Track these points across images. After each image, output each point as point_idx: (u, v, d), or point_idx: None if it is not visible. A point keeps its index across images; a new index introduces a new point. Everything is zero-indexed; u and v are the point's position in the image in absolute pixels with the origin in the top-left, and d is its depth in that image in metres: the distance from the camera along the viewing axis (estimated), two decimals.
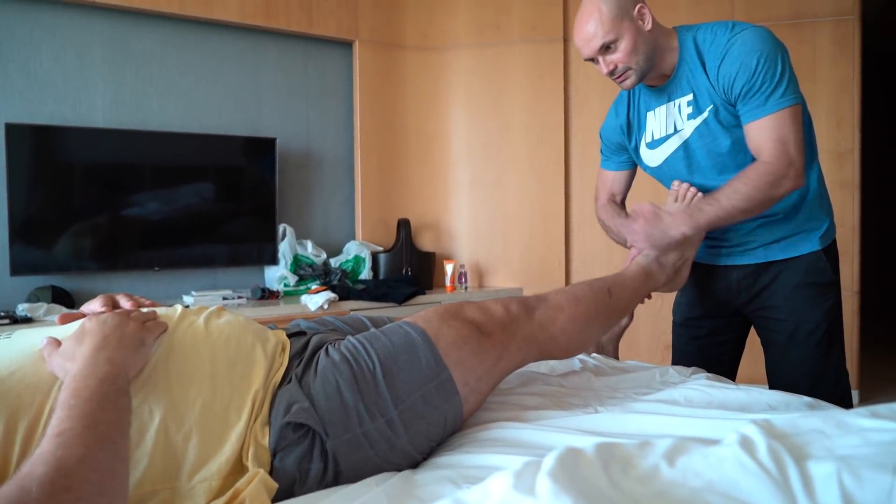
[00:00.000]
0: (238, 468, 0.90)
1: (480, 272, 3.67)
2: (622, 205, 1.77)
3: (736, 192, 1.36)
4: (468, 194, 3.66)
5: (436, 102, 3.67)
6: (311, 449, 0.92)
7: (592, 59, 1.46)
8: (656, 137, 1.57)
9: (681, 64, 1.47)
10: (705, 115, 1.46)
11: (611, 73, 1.46)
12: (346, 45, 3.53)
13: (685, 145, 1.52)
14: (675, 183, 1.56)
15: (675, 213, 1.43)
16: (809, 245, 1.51)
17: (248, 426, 0.91)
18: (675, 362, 1.73)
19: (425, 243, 3.67)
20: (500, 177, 3.62)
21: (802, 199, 1.50)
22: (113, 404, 0.74)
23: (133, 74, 2.97)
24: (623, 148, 1.69)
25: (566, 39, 3.54)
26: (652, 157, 1.61)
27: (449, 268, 3.47)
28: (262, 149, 3.16)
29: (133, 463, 0.82)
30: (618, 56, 1.42)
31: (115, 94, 2.92)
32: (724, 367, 1.66)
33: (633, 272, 1.47)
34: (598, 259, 3.54)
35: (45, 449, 0.65)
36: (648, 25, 1.43)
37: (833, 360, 1.53)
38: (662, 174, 1.62)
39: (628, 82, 1.47)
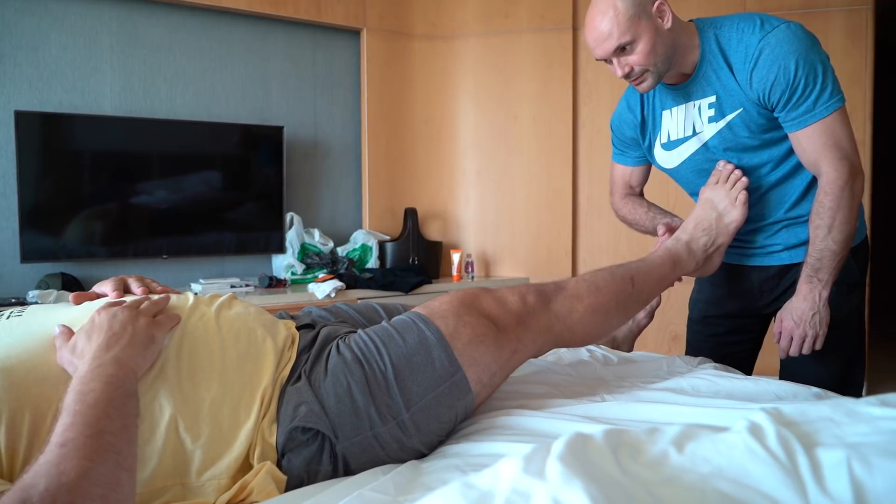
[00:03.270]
0: (246, 466, 0.89)
1: (487, 262, 3.67)
2: (641, 195, 1.72)
3: (831, 229, 1.32)
4: (475, 184, 3.66)
5: (443, 91, 3.65)
6: (320, 451, 0.91)
7: (606, 60, 1.36)
8: (673, 138, 1.50)
9: (702, 64, 1.38)
10: (729, 118, 1.38)
11: (626, 76, 1.36)
12: (354, 33, 3.51)
13: (705, 148, 1.45)
14: (721, 163, 1.46)
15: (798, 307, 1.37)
16: None
17: (256, 423, 0.90)
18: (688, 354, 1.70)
19: (432, 232, 3.67)
20: (507, 166, 3.61)
21: None
22: (119, 410, 0.73)
23: (141, 62, 2.97)
24: (637, 143, 1.62)
25: (575, 28, 3.51)
26: (668, 159, 1.54)
27: (456, 257, 3.47)
28: (269, 137, 3.16)
29: (143, 459, 0.82)
30: (634, 58, 1.32)
31: (123, 82, 2.93)
32: (739, 366, 1.58)
33: (660, 257, 1.38)
34: (606, 249, 3.53)
35: (48, 459, 0.64)
36: (668, 24, 1.32)
37: (851, 364, 1.48)
38: (679, 176, 1.57)
39: (645, 85, 1.37)
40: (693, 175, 1.53)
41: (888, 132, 5.04)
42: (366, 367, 0.96)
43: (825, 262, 1.34)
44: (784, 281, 1.50)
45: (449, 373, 0.99)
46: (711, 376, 1.25)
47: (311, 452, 0.91)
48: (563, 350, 1.59)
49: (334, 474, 0.92)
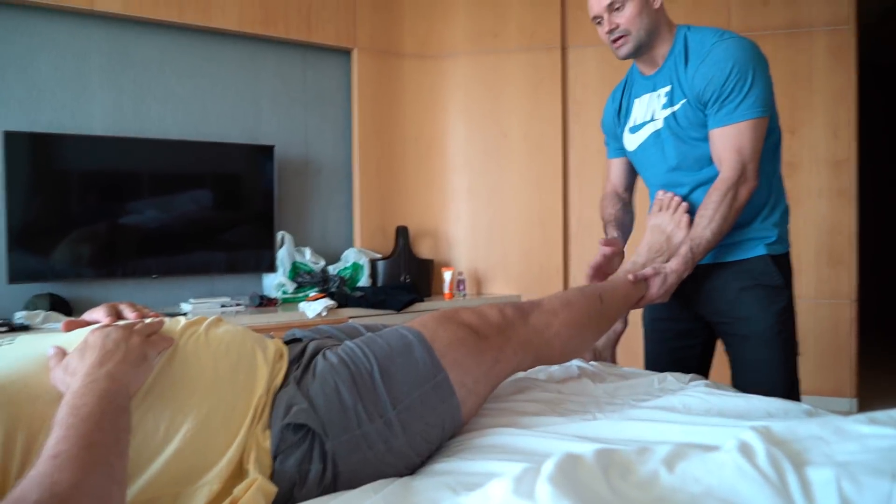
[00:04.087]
0: (238, 472, 0.90)
1: (479, 279, 3.67)
2: (627, 198, 1.83)
3: (712, 221, 1.47)
4: (466, 201, 3.67)
5: (434, 110, 3.68)
6: (310, 450, 0.93)
7: (598, 20, 1.56)
8: (637, 123, 1.66)
9: (669, 56, 1.56)
10: (676, 107, 1.54)
11: (610, 34, 1.54)
12: (345, 52, 3.54)
13: (657, 134, 1.61)
14: (660, 193, 1.65)
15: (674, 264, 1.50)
16: (756, 250, 1.56)
17: (249, 430, 0.91)
18: (646, 362, 1.78)
19: (423, 250, 3.67)
20: (498, 184, 3.62)
21: (752, 209, 1.55)
22: (111, 424, 0.73)
23: (131, 82, 2.97)
24: (616, 134, 1.77)
25: (564, 47, 3.55)
26: (631, 141, 1.69)
27: (447, 275, 3.47)
28: (260, 156, 3.16)
29: (137, 472, 0.82)
30: (621, 18, 1.52)
31: (113, 101, 2.93)
32: (694, 370, 1.67)
33: (621, 279, 1.51)
34: None
35: (40, 471, 0.64)
36: (657, 4, 1.53)
37: (787, 365, 1.56)
38: (639, 160, 1.70)
39: (624, 49, 1.55)
40: (651, 162, 1.66)
41: (873, 150, 5.10)
42: (352, 367, 1.00)
43: (698, 246, 1.48)
44: (710, 281, 1.59)
45: (432, 373, 1.03)
46: (703, 394, 1.25)
47: (303, 452, 0.92)
48: (554, 367, 1.59)
49: (324, 474, 0.93)
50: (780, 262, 1.57)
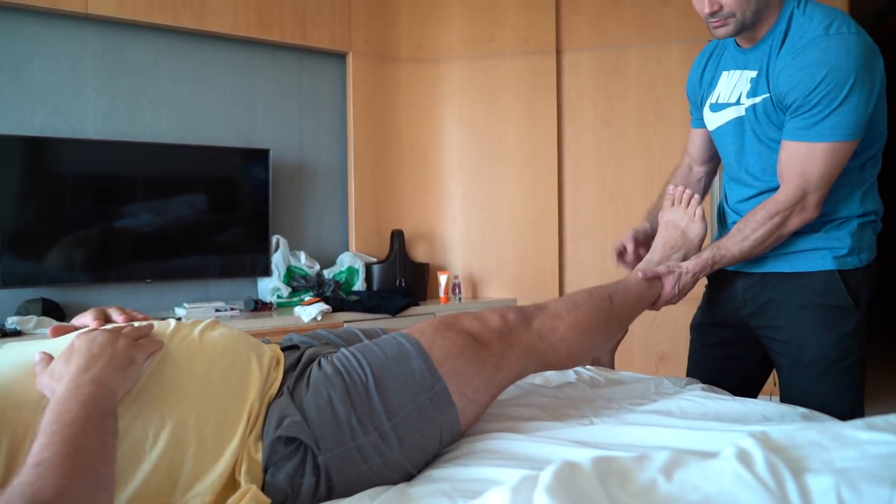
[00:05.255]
0: (231, 483, 0.88)
1: (474, 283, 3.67)
2: (703, 172, 1.69)
3: (745, 240, 1.36)
4: (462, 205, 3.67)
5: (429, 114, 3.68)
6: (303, 463, 0.91)
7: None
8: (720, 101, 1.47)
9: (769, 35, 1.34)
10: (757, 100, 1.36)
11: (711, 15, 1.31)
12: (340, 56, 3.53)
13: (739, 121, 1.43)
14: (670, 187, 1.58)
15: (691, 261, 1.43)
16: (821, 263, 1.38)
17: (242, 440, 0.90)
18: (688, 369, 1.68)
19: (419, 254, 3.66)
20: (493, 188, 3.63)
21: (823, 215, 1.37)
22: (97, 429, 0.72)
23: (126, 85, 2.96)
24: (696, 104, 1.61)
25: (559, 52, 3.56)
26: (711, 120, 1.51)
27: (443, 279, 3.47)
28: (255, 160, 3.15)
29: (126, 479, 0.81)
30: None
31: (107, 105, 2.92)
32: (735, 382, 1.55)
33: (634, 278, 1.44)
34: (592, 269, 3.54)
35: (23, 479, 0.63)
36: None
37: (845, 396, 1.39)
38: (718, 144, 1.54)
39: (723, 31, 1.33)
40: (726, 148, 1.50)
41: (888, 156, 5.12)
42: (346, 377, 0.97)
43: (722, 257, 1.40)
44: (766, 291, 1.45)
45: (429, 383, 1.00)
46: (699, 398, 1.24)
47: (294, 465, 0.90)
48: (551, 371, 1.59)
49: (317, 488, 0.91)
50: (852, 279, 1.38)
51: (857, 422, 0.62)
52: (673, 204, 1.55)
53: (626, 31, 3.46)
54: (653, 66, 3.40)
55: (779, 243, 1.37)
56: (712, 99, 1.50)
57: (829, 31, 1.24)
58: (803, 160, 1.28)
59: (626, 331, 1.70)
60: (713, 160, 1.67)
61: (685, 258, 1.50)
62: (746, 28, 1.33)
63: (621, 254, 1.63)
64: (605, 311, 1.29)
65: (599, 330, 1.28)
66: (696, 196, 1.52)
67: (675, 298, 1.45)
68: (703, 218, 1.52)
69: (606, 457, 0.59)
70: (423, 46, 3.66)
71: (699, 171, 1.69)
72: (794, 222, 1.33)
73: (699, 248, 1.52)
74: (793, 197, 1.31)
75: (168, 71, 3.06)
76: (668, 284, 1.42)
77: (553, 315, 1.20)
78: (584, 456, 0.62)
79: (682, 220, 1.53)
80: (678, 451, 0.60)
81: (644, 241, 1.63)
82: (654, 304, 1.45)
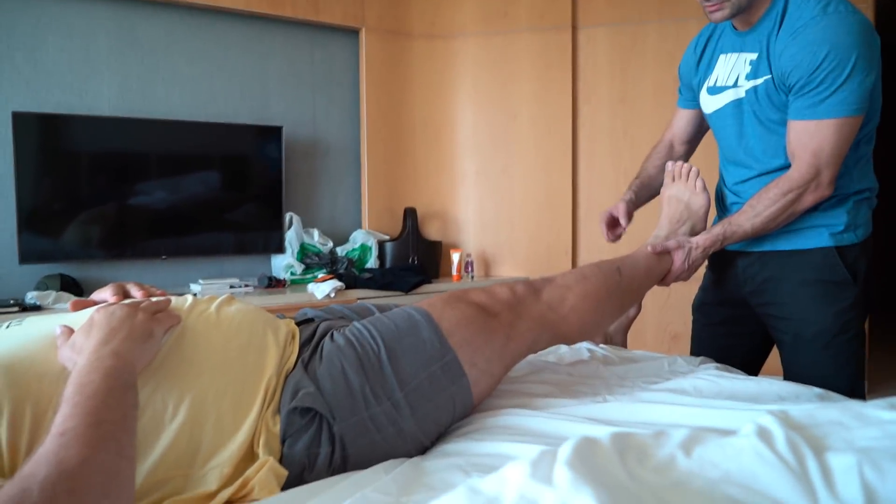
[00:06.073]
0: (249, 455, 0.90)
1: (487, 261, 3.66)
2: (683, 151, 1.71)
3: (758, 216, 1.36)
4: (475, 183, 3.65)
5: (443, 91, 3.65)
6: (318, 434, 0.92)
7: None
8: (718, 84, 1.49)
9: (765, 18, 1.36)
10: (758, 81, 1.37)
11: None
12: (353, 32, 3.50)
13: (738, 104, 1.44)
14: (670, 163, 1.59)
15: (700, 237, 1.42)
16: (819, 240, 1.40)
17: (260, 414, 0.91)
18: (692, 348, 1.70)
19: (432, 232, 3.66)
20: (506, 166, 3.60)
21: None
22: (118, 400, 0.73)
23: (139, 63, 2.96)
24: (691, 86, 1.62)
25: (574, 27, 3.50)
26: (708, 103, 1.54)
27: (455, 257, 3.47)
28: (268, 137, 3.15)
29: (146, 451, 0.82)
30: None
31: (121, 82, 2.92)
32: (737, 360, 1.55)
33: (643, 252, 1.43)
34: (605, 248, 3.51)
35: (47, 449, 0.64)
36: None
37: (846, 370, 1.40)
38: (715, 127, 1.56)
39: (719, 14, 1.35)
40: (725, 132, 1.51)
41: (884, 132, 5.03)
42: (358, 348, 0.99)
43: (734, 233, 1.39)
44: (766, 269, 1.47)
45: (440, 353, 1.01)
46: (713, 376, 1.24)
47: (311, 436, 0.92)
48: (565, 349, 1.59)
49: (332, 458, 0.93)
50: (849, 254, 1.39)
51: (879, 401, 0.61)
52: (673, 179, 1.56)
53: (643, 6, 3.39)
54: (671, 42, 3.34)
55: (791, 220, 1.37)
56: (709, 82, 1.52)
57: (828, 10, 1.26)
58: (813, 137, 1.29)
59: (640, 309, 1.70)
60: (693, 141, 1.71)
61: (693, 232, 1.51)
62: (742, 11, 1.35)
63: (612, 225, 1.62)
64: (614, 282, 1.29)
65: (610, 301, 1.29)
66: (695, 168, 1.53)
67: (684, 274, 1.45)
68: (705, 188, 1.52)
69: (625, 433, 0.59)
70: (437, 22, 3.62)
71: (681, 149, 1.72)
72: (808, 199, 1.34)
73: (705, 220, 1.53)
74: (806, 174, 1.31)
75: (181, 48, 3.05)
76: (678, 259, 1.42)
77: (562, 286, 1.21)
78: (599, 433, 0.63)
79: (683, 193, 1.54)
80: (697, 428, 0.60)
81: (631, 212, 1.62)
82: (664, 280, 1.45)
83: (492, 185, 3.62)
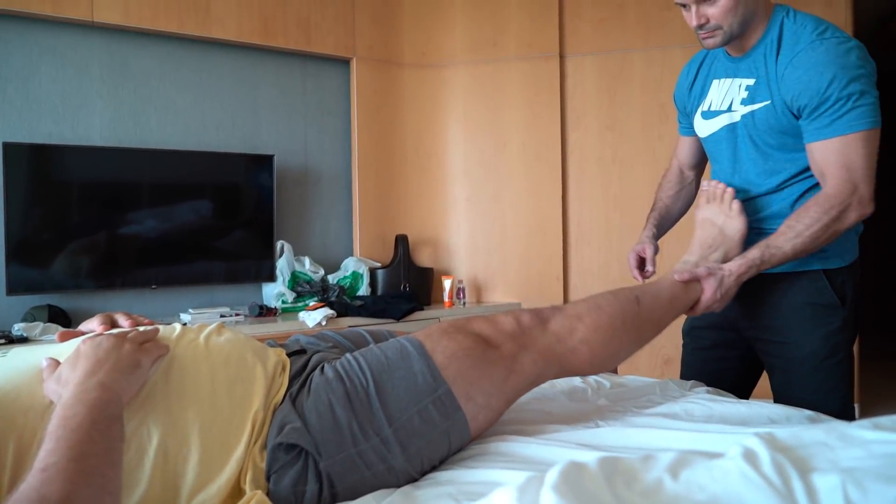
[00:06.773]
0: (237, 491, 0.88)
1: (479, 287, 3.66)
2: (692, 176, 1.71)
3: (798, 237, 1.29)
4: (466, 210, 3.67)
5: (433, 119, 3.68)
6: (304, 470, 0.90)
7: (683, 5, 1.36)
8: (713, 108, 1.49)
9: (759, 44, 1.37)
10: (756, 107, 1.37)
11: (699, 27, 1.35)
12: (344, 62, 3.55)
13: (732, 128, 1.45)
14: (704, 182, 1.53)
15: (734, 267, 1.33)
16: (806, 264, 1.40)
17: (247, 449, 0.89)
18: (682, 372, 1.69)
19: (423, 259, 3.67)
20: (497, 193, 3.63)
21: None
22: (102, 433, 0.71)
23: (131, 93, 2.98)
24: (686, 111, 1.63)
25: (562, 56, 3.57)
26: (702, 127, 1.54)
27: (447, 283, 3.47)
28: (260, 166, 3.16)
29: (132, 485, 0.81)
30: (714, 11, 1.32)
31: (113, 112, 2.93)
32: (728, 383, 1.56)
33: (669, 280, 1.33)
34: (597, 274, 3.54)
35: (29, 485, 0.63)
36: None
37: (837, 392, 1.40)
38: (710, 150, 1.56)
39: (712, 41, 1.36)
40: (720, 155, 1.51)
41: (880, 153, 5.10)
42: (347, 382, 0.95)
43: (772, 255, 1.31)
44: (753, 293, 1.44)
45: (432, 387, 0.96)
46: (704, 400, 1.25)
47: (297, 473, 0.89)
48: None
49: (321, 495, 0.90)
50: (836, 277, 1.40)
51: (864, 422, 0.61)
52: (708, 201, 1.47)
53: (629, 35, 3.46)
54: (657, 70, 3.40)
55: (833, 240, 1.31)
56: (703, 107, 1.54)
57: (825, 35, 1.29)
58: (840, 153, 1.28)
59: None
60: (701, 165, 1.73)
61: (725, 258, 1.42)
62: (734, 38, 1.37)
63: (641, 266, 1.58)
64: (631, 313, 1.19)
65: (626, 333, 1.18)
66: (730, 189, 1.44)
67: (717, 304, 1.34)
68: (742, 211, 1.42)
69: (612, 457, 0.59)
70: (427, 52, 3.67)
71: (690, 174, 1.73)
72: (852, 217, 1.29)
73: (740, 246, 1.43)
74: (843, 189, 1.28)
75: (173, 78, 3.08)
76: (710, 288, 1.31)
77: (572, 316, 1.13)
78: (590, 458, 0.63)
79: (718, 217, 1.45)
80: (684, 451, 0.60)
81: (655, 251, 1.59)
82: (693, 309, 1.34)
83: (483, 212, 3.64)
